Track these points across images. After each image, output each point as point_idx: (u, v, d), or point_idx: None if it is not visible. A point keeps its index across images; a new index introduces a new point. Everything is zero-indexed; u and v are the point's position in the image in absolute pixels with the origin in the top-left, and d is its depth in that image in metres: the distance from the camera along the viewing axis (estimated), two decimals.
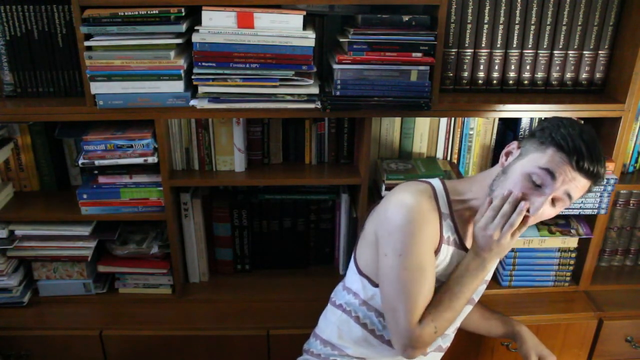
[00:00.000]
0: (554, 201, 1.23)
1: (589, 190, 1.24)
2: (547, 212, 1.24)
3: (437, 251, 1.30)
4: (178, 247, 1.77)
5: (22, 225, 1.71)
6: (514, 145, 1.30)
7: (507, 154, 1.30)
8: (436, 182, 1.36)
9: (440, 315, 1.26)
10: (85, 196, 1.66)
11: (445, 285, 1.31)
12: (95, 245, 1.74)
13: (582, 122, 1.35)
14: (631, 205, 1.86)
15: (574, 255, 1.82)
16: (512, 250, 1.81)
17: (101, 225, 1.77)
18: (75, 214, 1.68)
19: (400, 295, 1.25)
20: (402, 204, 1.28)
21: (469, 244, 1.36)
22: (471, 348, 1.74)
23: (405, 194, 1.30)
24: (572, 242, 1.80)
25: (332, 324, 1.46)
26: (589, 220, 1.80)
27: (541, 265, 1.84)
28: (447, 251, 1.33)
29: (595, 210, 1.70)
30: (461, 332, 1.62)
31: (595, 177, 1.20)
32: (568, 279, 1.87)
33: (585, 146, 1.18)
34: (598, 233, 1.80)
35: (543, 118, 1.21)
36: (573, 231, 1.78)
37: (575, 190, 1.21)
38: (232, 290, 1.86)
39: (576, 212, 1.70)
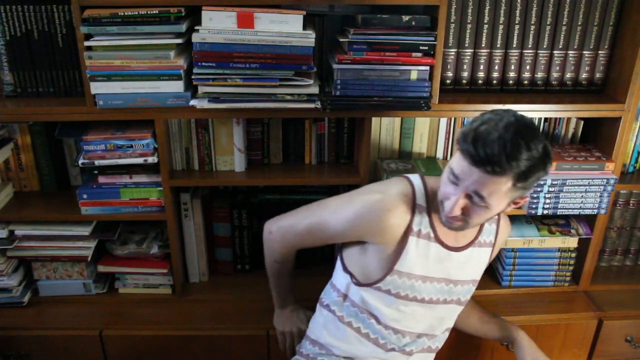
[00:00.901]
0: (471, 199, 1.19)
1: (523, 189, 1.17)
2: (474, 211, 1.20)
3: (403, 243, 1.31)
4: (178, 247, 1.77)
5: (22, 225, 1.71)
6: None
7: None
8: (415, 177, 1.37)
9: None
10: (85, 196, 1.66)
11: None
12: (95, 245, 1.74)
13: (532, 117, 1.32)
14: (631, 205, 1.86)
15: (573, 255, 1.82)
16: (512, 250, 1.81)
17: (101, 225, 1.77)
18: (75, 214, 1.68)
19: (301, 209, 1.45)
20: (371, 193, 1.34)
21: (445, 237, 1.35)
22: (471, 348, 1.74)
23: (377, 187, 1.37)
24: (572, 242, 1.80)
25: (319, 324, 1.48)
26: (589, 220, 1.80)
27: (541, 265, 1.84)
28: (418, 244, 1.32)
29: (595, 210, 1.70)
30: (462, 333, 1.62)
31: (497, 174, 1.11)
32: (568, 279, 1.87)
33: (482, 141, 1.11)
34: (598, 233, 1.80)
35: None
36: (573, 231, 1.78)
37: (483, 188, 1.15)
38: (232, 290, 1.86)
39: (576, 212, 1.70)
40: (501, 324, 1.60)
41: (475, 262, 1.42)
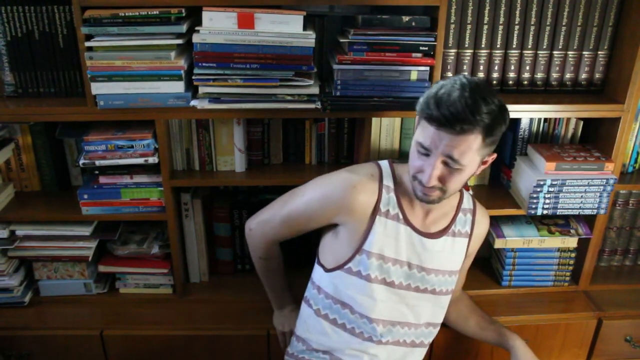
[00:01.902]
0: (447, 165, 1.22)
1: (491, 144, 1.24)
2: (450, 176, 1.24)
3: (370, 223, 1.34)
4: (178, 247, 1.77)
5: (23, 225, 1.71)
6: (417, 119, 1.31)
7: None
8: (384, 162, 1.42)
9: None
10: (86, 196, 1.66)
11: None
12: (96, 245, 1.74)
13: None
14: (630, 205, 1.87)
15: (573, 255, 1.83)
16: (512, 250, 1.81)
17: (102, 225, 1.77)
18: (76, 214, 1.68)
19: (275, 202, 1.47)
20: (339, 173, 1.39)
21: (414, 221, 1.38)
22: (471, 348, 1.74)
23: (345, 169, 1.41)
24: (571, 242, 1.80)
25: (302, 319, 1.51)
26: (589, 220, 1.80)
27: (541, 265, 1.85)
28: (387, 224, 1.35)
29: (595, 210, 1.70)
30: (460, 333, 1.62)
31: (466, 132, 1.16)
32: (567, 278, 1.87)
33: (445, 104, 1.15)
34: (597, 233, 1.80)
35: None
36: (572, 231, 1.79)
37: (455, 150, 1.18)
38: (232, 290, 1.86)
39: (576, 212, 1.70)
40: (498, 331, 1.57)
41: (450, 252, 1.43)
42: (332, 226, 1.42)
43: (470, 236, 1.46)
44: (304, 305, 1.52)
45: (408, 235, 1.37)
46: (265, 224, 1.48)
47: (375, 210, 1.34)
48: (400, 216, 1.36)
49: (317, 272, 1.47)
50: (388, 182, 1.36)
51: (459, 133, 1.16)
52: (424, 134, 1.21)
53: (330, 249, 1.43)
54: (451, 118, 1.15)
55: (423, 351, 1.51)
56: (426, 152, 1.22)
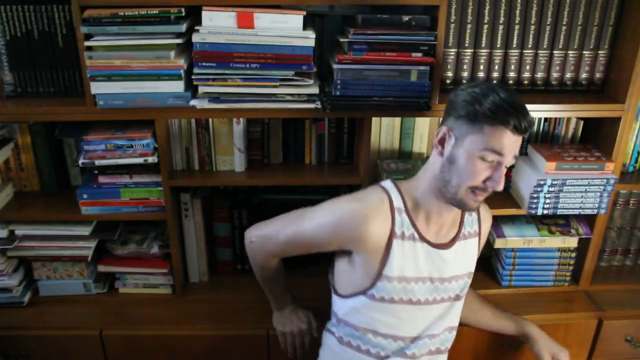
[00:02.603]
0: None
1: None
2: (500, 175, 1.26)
3: (388, 248, 1.32)
4: (178, 247, 1.77)
5: (22, 225, 1.71)
6: (444, 130, 1.29)
7: (442, 141, 1.30)
8: (387, 183, 1.39)
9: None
10: (85, 196, 1.66)
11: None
12: (95, 245, 1.74)
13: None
14: (631, 205, 1.86)
15: (573, 255, 1.82)
16: (512, 250, 1.81)
17: (101, 225, 1.77)
18: (75, 214, 1.68)
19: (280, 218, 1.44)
20: (349, 202, 1.36)
21: (429, 236, 1.37)
22: (470, 348, 1.74)
23: (354, 196, 1.38)
24: (572, 242, 1.80)
25: (325, 346, 1.51)
26: (589, 220, 1.80)
27: (541, 265, 1.84)
28: (404, 246, 1.33)
29: (595, 210, 1.70)
30: (461, 332, 1.62)
31: (529, 129, 1.24)
32: (568, 278, 1.87)
33: (514, 108, 1.20)
34: (598, 233, 1.80)
35: (465, 89, 1.27)
36: (573, 231, 1.78)
37: (518, 148, 1.25)
38: (232, 290, 1.86)
39: (576, 212, 1.70)
40: (513, 319, 1.61)
41: (464, 254, 1.43)
42: (346, 253, 1.40)
43: (479, 234, 1.47)
44: (326, 334, 1.51)
45: (425, 251, 1.36)
46: (267, 239, 1.46)
47: (391, 235, 1.33)
48: (416, 235, 1.34)
49: (336, 303, 1.46)
50: (398, 203, 1.34)
51: (523, 134, 1.23)
52: (496, 139, 1.21)
53: (347, 277, 1.41)
54: (524, 119, 1.20)
55: (445, 357, 1.51)
56: (499, 157, 1.22)
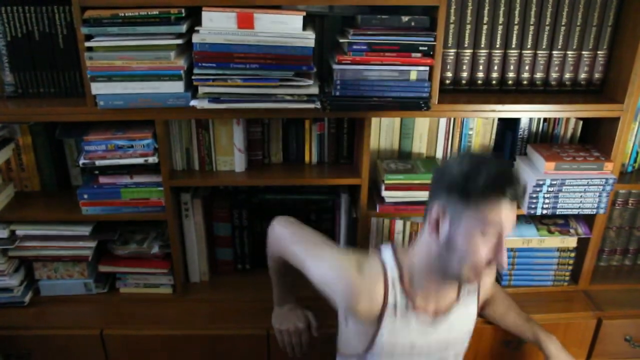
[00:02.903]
0: None
1: None
2: None
3: (379, 321, 1.30)
4: (178, 247, 1.77)
5: (23, 225, 1.71)
6: (437, 210, 1.23)
7: (437, 222, 1.24)
8: (387, 252, 1.35)
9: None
10: (86, 196, 1.66)
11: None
12: (95, 245, 1.75)
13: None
14: (630, 204, 1.87)
15: (573, 254, 1.83)
16: (512, 249, 1.81)
17: (102, 225, 1.77)
18: (76, 214, 1.68)
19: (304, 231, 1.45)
20: (348, 269, 1.30)
21: (425, 304, 1.33)
22: (469, 347, 1.74)
23: (354, 262, 1.32)
24: (571, 242, 1.80)
25: None
26: (588, 220, 1.80)
27: (540, 265, 1.85)
28: (395, 322, 1.31)
29: (594, 210, 1.71)
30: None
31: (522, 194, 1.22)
32: (567, 278, 1.87)
33: (506, 178, 1.17)
34: (597, 233, 1.80)
35: (450, 162, 1.24)
36: (572, 231, 1.79)
37: (515, 214, 1.21)
38: (232, 290, 1.87)
39: (575, 211, 1.70)
40: (532, 330, 1.58)
41: (465, 313, 1.41)
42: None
43: (478, 289, 1.44)
44: None
45: (420, 322, 1.33)
46: (281, 238, 1.46)
47: (383, 309, 1.29)
48: (410, 304, 1.31)
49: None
50: (393, 273, 1.31)
51: (520, 199, 1.21)
52: (494, 213, 1.16)
53: (344, 335, 1.42)
54: (518, 186, 1.18)
55: None
56: (499, 229, 1.18)
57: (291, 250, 1.42)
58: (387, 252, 1.35)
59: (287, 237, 1.45)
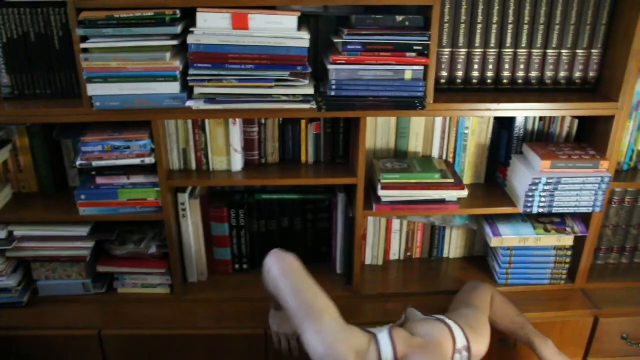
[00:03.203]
0: None
1: None
2: None
3: None
4: (176, 247, 1.78)
5: (21, 226, 1.72)
6: None
7: None
8: (384, 338, 1.30)
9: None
10: (83, 197, 1.67)
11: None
12: (93, 245, 1.75)
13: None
14: (626, 203, 1.87)
15: (569, 253, 1.83)
16: (508, 248, 1.82)
17: (99, 225, 1.78)
18: (73, 215, 1.69)
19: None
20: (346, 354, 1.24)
21: None
22: None
23: (352, 346, 1.26)
24: (567, 240, 1.81)
25: None
26: (585, 218, 1.81)
27: (537, 263, 1.85)
28: None
29: (591, 209, 1.71)
30: None
31: None
32: (564, 277, 1.87)
33: None
34: (593, 231, 1.80)
35: None
36: (569, 229, 1.79)
37: None
38: (230, 290, 1.87)
39: (571, 210, 1.71)
40: (527, 338, 1.58)
41: None
42: None
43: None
44: None
45: None
46: (280, 289, 1.36)
47: None
48: None
49: None
50: (387, 354, 1.27)
51: None
52: None
53: None
54: None
55: None
56: None
57: (289, 306, 1.33)
58: (385, 345, 1.29)
59: (284, 289, 1.35)
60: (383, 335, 1.30)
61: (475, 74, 1.66)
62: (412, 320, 1.47)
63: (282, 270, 1.37)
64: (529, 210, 1.70)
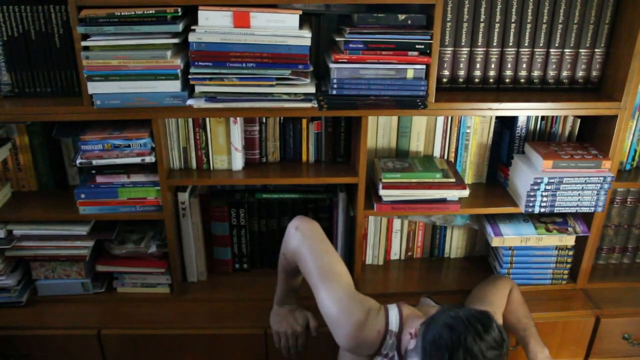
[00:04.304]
0: None
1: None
2: None
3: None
4: (176, 246, 1.77)
5: (21, 225, 1.71)
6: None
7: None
8: (393, 310, 1.35)
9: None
10: (83, 196, 1.66)
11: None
12: (93, 244, 1.75)
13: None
14: (628, 202, 1.86)
15: (571, 253, 1.83)
16: (510, 248, 1.81)
17: (99, 224, 1.77)
18: (73, 214, 1.68)
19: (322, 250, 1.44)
20: (357, 314, 1.32)
21: None
22: None
23: (362, 311, 1.33)
24: (569, 240, 1.80)
25: None
26: (586, 218, 1.80)
27: (539, 263, 1.84)
28: None
29: (592, 208, 1.70)
30: None
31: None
32: (565, 276, 1.87)
33: (497, 347, 1.14)
34: (595, 231, 1.80)
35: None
36: (570, 229, 1.79)
37: None
38: (230, 289, 1.86)
39: (573, 210, 1.70)
40: (525, 342, 1.59)
41: None
42: None
43: None
44: None
45: None
46: (300, 249, 1.45)
47: (375, 354, 1.33)
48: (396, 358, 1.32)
49: None
50: (394, 327, 1.32)
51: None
52: None
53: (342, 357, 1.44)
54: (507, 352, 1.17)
55: None
56: None
57: (307, 266, 1.42)
58: (393, 312, 1.35)
59: (306, 250, 1.44)
60: (392, 306, 1.37)
61: (477, 73, 1.66)
62: (423, 305, 1.51)
63: (307, 231, 1.47)
64: (530, 210, 1.69)
